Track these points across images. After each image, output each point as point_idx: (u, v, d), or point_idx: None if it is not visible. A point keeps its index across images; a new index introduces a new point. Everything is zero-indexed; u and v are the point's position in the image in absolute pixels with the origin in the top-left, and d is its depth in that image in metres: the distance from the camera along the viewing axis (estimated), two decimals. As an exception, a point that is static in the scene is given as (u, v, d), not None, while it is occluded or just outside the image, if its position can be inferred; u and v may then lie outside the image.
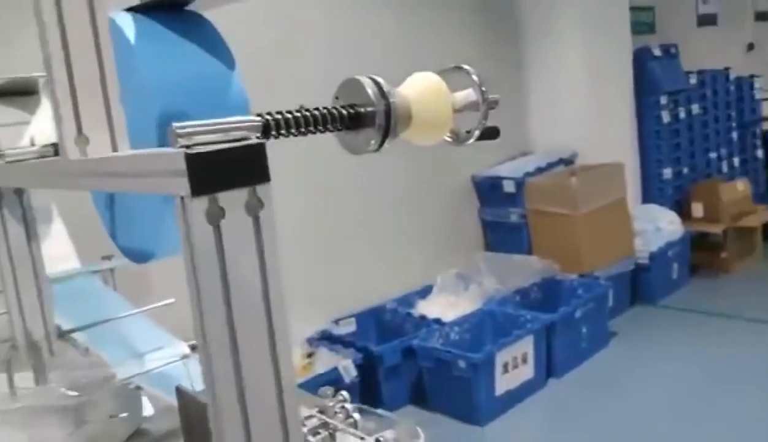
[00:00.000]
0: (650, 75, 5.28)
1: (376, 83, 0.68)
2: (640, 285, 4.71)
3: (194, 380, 1.04)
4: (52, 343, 1.31)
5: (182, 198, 0.55)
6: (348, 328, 3.82)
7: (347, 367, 3.25)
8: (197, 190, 0.54)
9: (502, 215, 4.63)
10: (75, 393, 1.13)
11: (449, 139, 0.79)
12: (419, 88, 0.72)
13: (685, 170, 5.53)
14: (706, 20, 6.79)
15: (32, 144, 1.08)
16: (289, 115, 0.64)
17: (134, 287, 1.88)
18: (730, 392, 3.42)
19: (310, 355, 3.44)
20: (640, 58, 5.26)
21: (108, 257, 1.86)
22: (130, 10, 0.88)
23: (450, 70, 0.77)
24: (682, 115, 5.50)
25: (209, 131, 0.57)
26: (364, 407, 1.24)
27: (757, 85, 6.37)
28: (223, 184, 0.56)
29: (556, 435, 3.37)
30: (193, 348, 1.25)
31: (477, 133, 0.77)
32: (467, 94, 0.75)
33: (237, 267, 0.57)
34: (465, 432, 3.35)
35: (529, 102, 5.05)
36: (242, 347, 0.58)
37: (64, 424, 1.09)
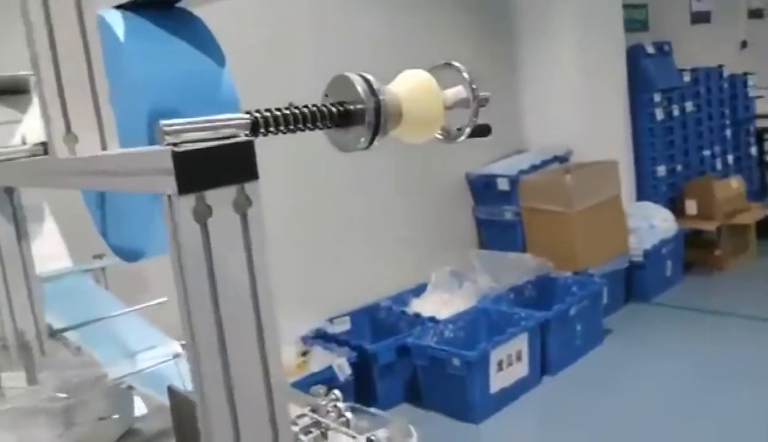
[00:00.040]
0: (644, 72, 5.29)
1: (366, 80, 0.67)
2: (635, 283, 4.72)
3: (186, 380, 1.03)
4: (43, 342, 1.30)
5: (169, 196, 0.55)
6: (342, 326, 3.81)
7: (342, 365, 3.25)
8: (184, 188, 0.54)
9: (497, 213, 4.63)
10: (65, 395, 1.12)
11: (440, 137, 0.79)
12: (409, 86, 0.72)
13: (679, 168, 5.54)
14: (700, 18, 6.80)
15: (24, 143, 1.07)
16: (278, 113, 0.63)
17: (126, 285, 1.87)
18: (723, 389, 3.43)
19: (304, 353, 3.43)
20: (634, 56, 5.26)
21: (99, 256, 1.85)
22: (119, 7, 0.88)
23: (440, 67, 0.77)
24: (676, 112, 5.50)
25: (197, 129, 0.57)
26: (357, 405, 1.24)
27: (750, 82, 6.39)
28: (211, 182, 0.55)
29: (551, 433, 3.38)
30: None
31: (468, 130, 0.76)
32: (458, 91, 0.75)
33: (225, 266, 0.57)
34: (460, 430, 3.35)
35: (524, 100, 5.05)
36: (230, 346, 0.57)
37: (53, 425, 1.09)
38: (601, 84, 4.95)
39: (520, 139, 5.04)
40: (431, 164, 4.42)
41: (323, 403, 0.96)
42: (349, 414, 0.95)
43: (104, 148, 0.80)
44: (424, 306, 3.98)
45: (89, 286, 1.81)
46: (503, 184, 4.55)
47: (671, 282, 4.89)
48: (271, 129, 0.62)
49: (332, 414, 0.95)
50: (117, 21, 0.90)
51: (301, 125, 0.65)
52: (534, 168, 4.64)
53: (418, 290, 4.19)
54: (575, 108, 4.87)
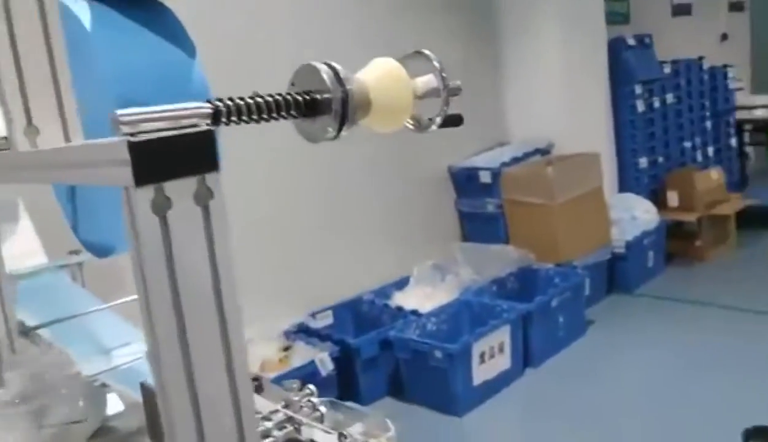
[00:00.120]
0: (625, 65, 5.30)
1: (333, 69, 0.66)
2: (617, 274, 4.74)
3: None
4: (13, 340, 1.28)
5: (127, 188, 0.53)
6: (325, 321, 3.80)
7: (324, 360, 3.23)
8: (141, 179, 0.52)
9: (479, 206, 4.64)
10: (33, 395, 1.10)
11: (411, 127, 0.78)
12: (377, 74, 0.71)
13: (660, 159, 5.57)
14: (681, 10, 6.84)
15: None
16: (241, 102, 0.62)
17: (103, 281, 1.85)
18: (704, 379, 3.45)
19: (286, 348, 3.42)
20: (615, 48, 5.27)
21: (75, 252, 1.82)
22: (85, -4, 0.86)
23: (411, 55, 0.76)
24: (657, 104, 5.53)
25: (156, 119, 0.55)
26: (335, 400, 1.23)
27: (730, 74, 6.44)
28: (170, 173, 0.54)
29: (534, 424, 3.39)
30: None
31: (439, 120, 0.75)
32: (428, 80, 0.74)
33: (185, 259, 0.55)
34: (443, 423, 3.35)
35: (506, 92, 5.05)
36: (192, 341, 0.56)
37: (20, 427, 1.07)
38: (582, 76, 4.96)
39: (502, 131, 5.05)
40: (414, 157, 4.41)
41: (296, 398, 0.95)
42: (323, 409, 0.94)
43: (68, 140, 0.78)
44: (407, 300, 3.97)
45: (65, 283, 1.78)
46: (485, 177, 4.55)
47: (653, 273, 4.92)
48: (234, 119, 0.61)
49: (305, 409, 0.93)
50: (83, 10, 0.88)
51: (265, 115, 0.63)
52: (516, 160, 4.64)
53: (401, 284, 4.18)
54: (557, 100, 4.88)
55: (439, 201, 4.67)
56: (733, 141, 6.54)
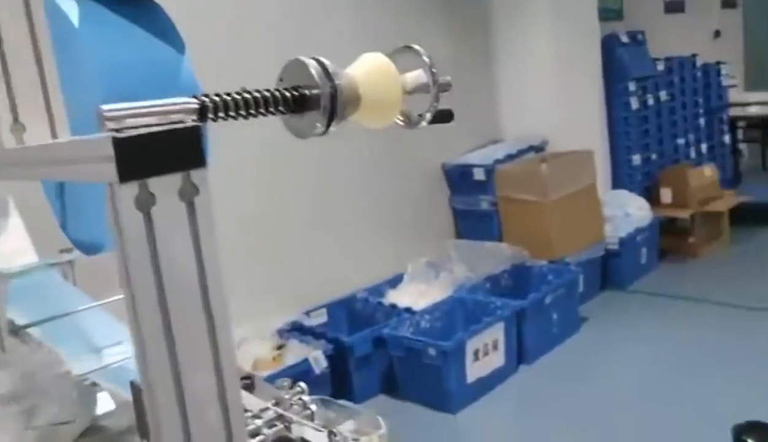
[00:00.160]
0: (618, 62, 5.31)
1: (321, 64, 0.65)
2: (610, 270, 4.75)
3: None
4: (3, 339, 1.27)
5: (111, 184, 0.53)
6: (319, 319, 3.79)
7: (317, 358, 3.23)
8: (125, 175, 0.52)
9: (473, 203, 4.63)
10: (24, 393, 1.09)
11: (401, 122, 0.77)
12: (366, 69, 0.70)
13: (654, 156, 5.57)
14: (674, 7, 6.85)
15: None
16: (228, 98, 0.61)
17: (95, 280, 1.83)
18: (697, 375, 3.46)
19: (280, 347, 3.41)
20: (608, 45, 5.28)
21: (67, 250, 1.81)
22: (74, -7, 0.85)
23: (400, 50, 0.75)
24: (650, 101, 5.54)
25: (141, 114, 0.55)
26: (326, 398, 1.22)
27: (723, 71, 6.45)
28: (154, 169, 0.53)
29: (528, 421, 3.39)
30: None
31: (429, 115, 0.74)
32: (418, 76, 0.73)
33: (170, 255, 0.54)
34: (437, 420, 3.35)
35: (500, 90, 5.05)
36: (179, 338, 0.55)
37: (12, 426, 1.06)
38: (576, 74, 4.96)
39: (496, 128, 5.05)
40: (407, 155, 4.40)
41: (287, 396, 0.95)
42: (313, 407, 0.93)
43: (54, 137, 0.78)
44: (401, 297, 3.97)
45: (56, 281, 1.77)
46: (479, 174, 4.55)
47: (646, 269, 4.93)
48: (221, 114, 0.60)
49: (296, 407, 0.93)
50: (71, 6, 0.87)
51: (253, 111, 0.62)
52: (510, 158, 4.64)
53: (395, 281, 4.18)
54: (551, 98, 4.88)
55: (433, 198, 4.66)
56: (727, 138, 6.56)
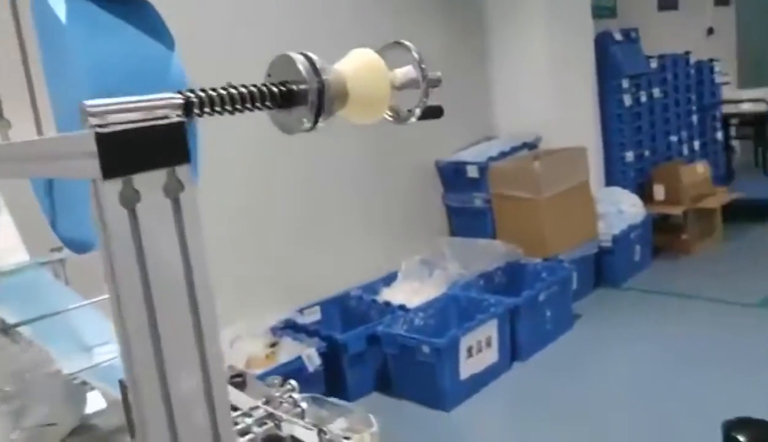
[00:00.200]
0: (612, 59, 5.31)
1: (309, 59, 0.65)
2: (604, 268, 4.75)
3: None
4: (-8, 338, 1.26)
5: (94, 181, 0.52)
6: (313, 316, 3.79)
7: (311, 355, 3.22)
8: (109, 172, 0.51)
9: (467, 200, 4.63)
10: (15, 393, 1.09)
11: (390, 118, 0.77)
12: (355, 65, 0.69)
13: (647, 153, 5.59)
14: (667, 4, 6.86)
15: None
16: (213, 93, 0.60)
17: (86, 278, 1.82)
18: (691, 372, 3.47)
19: (273, 345, 3.40)
20: (602, 43, 5.29)
21: (57, 249, 1.80)
22: (61, -12, 0.84)
23: (390, 46, 0.75)
24: (644, 98, 5.55)
25: (125, 110, 0.54)
26: (318, 396, 1.22)
27: (716, 68, 6.47)
28: (139, 165, 0.53)
29: (521, 418, 3.39)
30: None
31: (418, 111, 0.74)
32: (407, 71, 0.73)
33: (156, 253, 0.54)
34: (431, 417, 3.35)
35: (493, 87, 5.05)
36: (165, 336, 0.55)
37: (1, 426, 1.05)
38: (569, 71, 4.96)
39: (489, 126, 5.05)
40: (401, 152, 4.40)
41: (277, 394, 0.94)
42: (304, 405, 0.93)
43: (40, 133, 0.77)
44: (395, 295, 3.97)
45: (47, 280, 1.76)
46: (473, 172, 4.55)
47: (640, 267, 4.94)
48: (207, 110, 0.60)
49: (285, 405, 0.92)
50: (59, 3, 0.86)
51: (239, 106, 0.62)
52: (503, 155, 4.64)
53: (389, 279, 4.18)
54: (544, 95, 4.88)
55: (427, 196, 4.66)
56: (719, 135, 6.57)
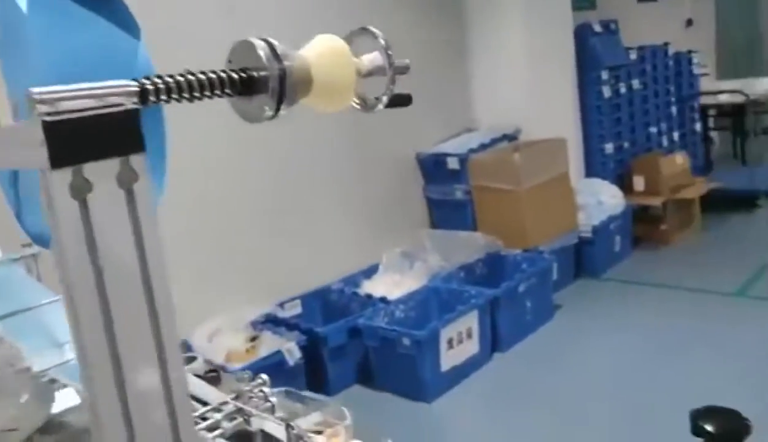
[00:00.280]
0: (591, 51, 5.32)
1: (270, 45, 0.63)
2: (584, 258, 4.77)
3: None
4: (-42, 335, 1.23)
5: (43, 171, 0.50)
6: (293, 310, 3.77)
7: (291, 349, 3.21)
8: (57, 161, 0.49)
9: (447, 192, 4.63)
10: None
11: (357, 106, 0.75)
12: (319, 51, 0.68)
13: (626, 144, 5.61)
14: (646, -4, 6.88)
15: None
16: (170, 80, 0.58)
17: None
18: (671, 362, 3.49)
19: (253, 339, 3.38)
20: (581, 35, 5.29)
21: (29, 244, 1.77)
22: (20, -24, 0.81)
23: (357, 32, 0.73)
24: (623, 90, 5.57)
25: (77, 97, 0.52)
26: (292, 389, 1.20)
27: (695, 60, 6.50)
28: (90, 154, 0.51)
29: (503, 409, 3.40)
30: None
31: (385, 99, 0.72)
32: (373, 58, 0.71)
33: (109, 246, 0.52)
34: (412, 410, 3.35)
35: (474, 79, 5.04)
36: (120, 333, 0.53)
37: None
38: (549, 63, 4.96)
39: (469, 118, 5.04)
40: (382, 144, 4.38)
41: (247, 389, 0.93)
42: (273, 399, 0.91)
43: (-3, 124, 0.75)
44: (376, 287, 3.96)
45: (19, 276, 1.73)
46: (453, 163, 4.54)
47: (620, 257, 4.96)
48: (163, 97, 0.58)
49: (255, 400, 0.91)
50: (19, -9, 0.83)
51: (198, 93, 0.60)
52: (483, 147, 4.64)
53: (370, 272, 4.17)
54: (524, 87, 4.88)
55: (408, 188, 4.65)
56: (698, 126, 6.61)
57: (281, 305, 3.74)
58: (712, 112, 6.97)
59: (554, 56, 5.02)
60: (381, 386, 3.51)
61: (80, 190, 0.50)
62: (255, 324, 3.53)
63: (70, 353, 1.24)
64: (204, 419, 0.92)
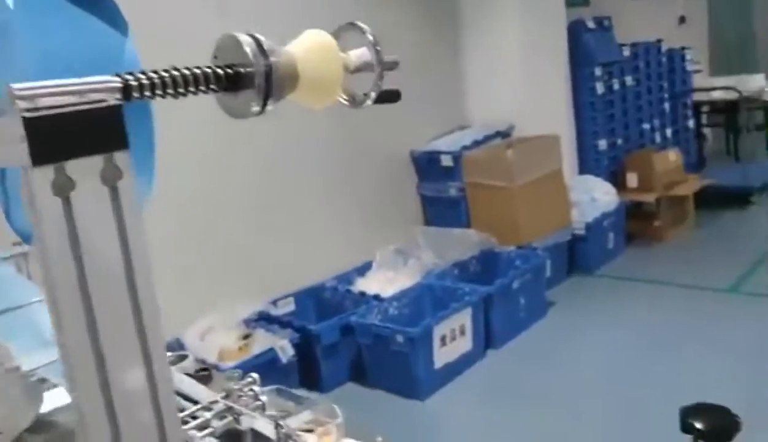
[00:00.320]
0: (584, 47, 5.32)
1: (256, 40, 0.62)
2: (577, 255, 4.78)
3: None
4: (-54, 334, 1.22)
5: (24, 168, 0.49)
6: (286, 308, 3.76)
7: (284, 347, 3.20)
8: (38, 158, 0.48)
9: (441, 190, 4.62)
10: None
11: (345, 102, 0.74)
12: (306, 46, 0.67)
13: (620, 141, 5.61)
14: (639, -8, 6.88)
15: None
16: (154, 75, 0.58)
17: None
18: (664, 358, 3.50)
19: (246, 337, 3.37)
20: (575, 31, 5.29)
21: (19, 242, 1.76)
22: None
23: (345, 27, 0.73)
24: (616, 86, 5.57)
25: (58, 93, 0.51)
26: (282, 387, 1.19)
27: (688, 57, 6.52)
28: (72, 151, 0.50)
29: (496, 406, 3.40)
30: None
31: (373, 95, 0.72)
32: (361, 54, 0.71)
33: (92, 244, 0.51)
34: (405, 407, 3.34)
35: (466, 76, 5.03)
36: (103, 331, 0.52)
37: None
38: (542, 59, 4.96)
39: (462, 115, 5.03)
40: (376, 142, 4.37)
41: (237, 387, 0.92)
42: (263, 398, 0.91)
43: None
44: (369, 285, 3.95)
45: (9, 274, 1.72)
46: (447, 161, 4.54)
47: (613, 254, 4.97)
48: (147, 93, 0.57)
49: (246, 399, 0.90)
50: (5, -14, 0.83)
51: (182, 89, 0.59)
52: (476, 144, 4.64)
53: (363, 269, 4.17)
54: (517, 83, 4.88)
55: (401, 185, 4.65)
56: (691, 123, 6.63)
57: (274, 302, 3.73)
58: (705, 108, 6.98)
59: (547, 53, 5.02)
60: (374, 384, 3.50)
61: (63, 188, 0.50)
62: (248, 322, 3.52)
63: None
64: (194, 417, 0.91)
